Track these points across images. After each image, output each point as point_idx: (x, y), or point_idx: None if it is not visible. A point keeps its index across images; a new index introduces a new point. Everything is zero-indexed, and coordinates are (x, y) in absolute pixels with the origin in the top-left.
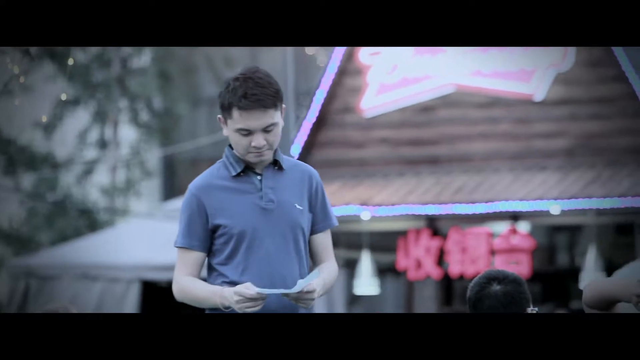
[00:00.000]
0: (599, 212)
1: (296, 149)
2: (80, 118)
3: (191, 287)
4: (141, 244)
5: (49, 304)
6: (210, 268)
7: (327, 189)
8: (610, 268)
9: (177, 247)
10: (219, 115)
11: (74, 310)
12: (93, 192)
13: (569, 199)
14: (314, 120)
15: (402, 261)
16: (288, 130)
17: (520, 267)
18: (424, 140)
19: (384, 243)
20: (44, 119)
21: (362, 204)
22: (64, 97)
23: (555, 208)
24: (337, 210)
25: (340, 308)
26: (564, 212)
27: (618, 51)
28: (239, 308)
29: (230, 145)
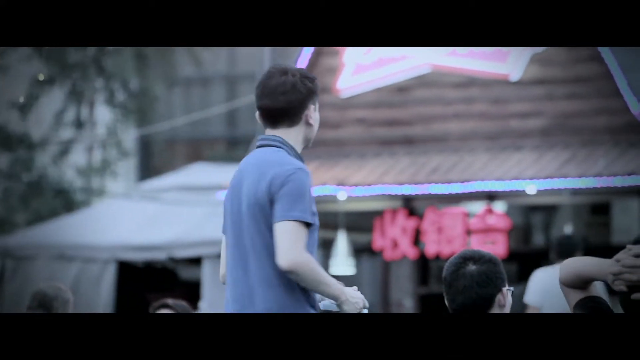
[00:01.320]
0: (575, 192)
1: None
2: (56, 98)
3: (320, 268)
4: (117, 224)
5: (41, 285)
6: None
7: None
8: (586, 247)
9: (306, 222)
10: (313, 106)
11: (65, 290)
12: (69, 172)
13: (544, 178)
14: None
15: (379, 241)
16: None
17: (496, 247)
18: (400, 121)
19: (360, 223)
20: (20, 99)
21: (339, 184)
22: (41, 77)
23: (531, 188)
24: (314, 190)
25: None
26: (539, 192)
27: None
28: (354, 309)
29: (281, 138)
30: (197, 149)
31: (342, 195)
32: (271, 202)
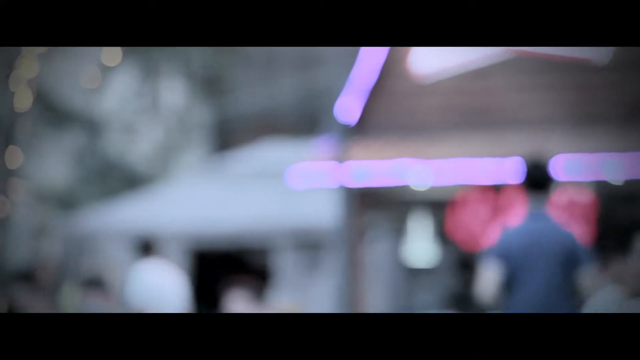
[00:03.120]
0: None
1: (350, 113)
2: (128, 78)
3: None
4: (189, 204)
5: (107, 264)
6: None
7: (380, 149)
8: None
9: None
10: None
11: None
12: (141, 152)
13: (627, 161)
14: (368, 84)
15: (451, 227)
16: (338, 94)
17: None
18: (479, 106)
19: (438, 208)
20: (92, 79)
21: (414, 163)
22: (106, 62)
23: (611, 171)
24: (389, 172)
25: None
26: (620, 177)
27: None
28: None
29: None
30: (269, 126)
31: (419, 178)
32: (568, 254)
